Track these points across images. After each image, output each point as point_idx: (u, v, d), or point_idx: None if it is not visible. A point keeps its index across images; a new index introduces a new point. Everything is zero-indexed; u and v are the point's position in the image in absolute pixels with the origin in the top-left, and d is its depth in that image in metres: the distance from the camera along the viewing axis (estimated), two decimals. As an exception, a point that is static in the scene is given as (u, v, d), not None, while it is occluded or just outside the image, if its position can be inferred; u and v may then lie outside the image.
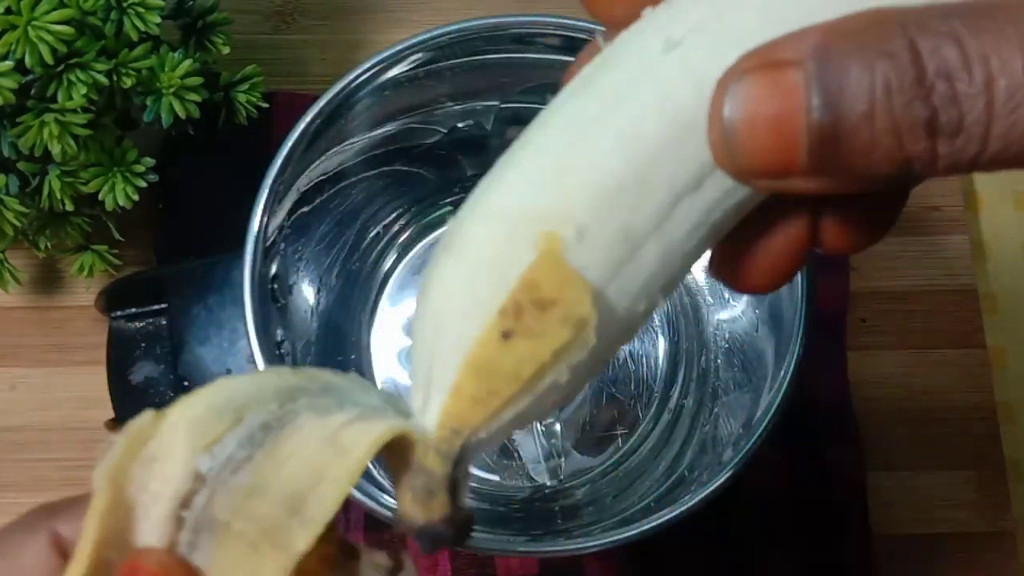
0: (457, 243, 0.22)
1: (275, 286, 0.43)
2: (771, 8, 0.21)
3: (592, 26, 0.43)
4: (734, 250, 0.24)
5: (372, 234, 0.50)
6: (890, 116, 0.19)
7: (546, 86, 0.46)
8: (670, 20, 0.21)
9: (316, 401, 0.21)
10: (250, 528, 0.20)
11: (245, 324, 0.39)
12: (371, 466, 0.45)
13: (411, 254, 0.51)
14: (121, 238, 0.51)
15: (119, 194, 0.45)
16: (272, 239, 0.42)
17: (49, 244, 0.49)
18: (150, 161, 0.45)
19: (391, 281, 0.51)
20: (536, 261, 0.21)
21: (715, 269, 0.25)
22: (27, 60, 0.40)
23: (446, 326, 0.21)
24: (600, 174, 0.21)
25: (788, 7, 0.21)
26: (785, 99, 0.19)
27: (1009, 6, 0.19)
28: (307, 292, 0.47)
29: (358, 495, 0.38)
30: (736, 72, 0.20)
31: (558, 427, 0.47)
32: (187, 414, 0.20)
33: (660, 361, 0.50)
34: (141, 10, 0.43)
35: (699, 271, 0.48)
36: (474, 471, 0.48)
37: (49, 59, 0.40)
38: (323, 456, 0.20)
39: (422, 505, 0.21)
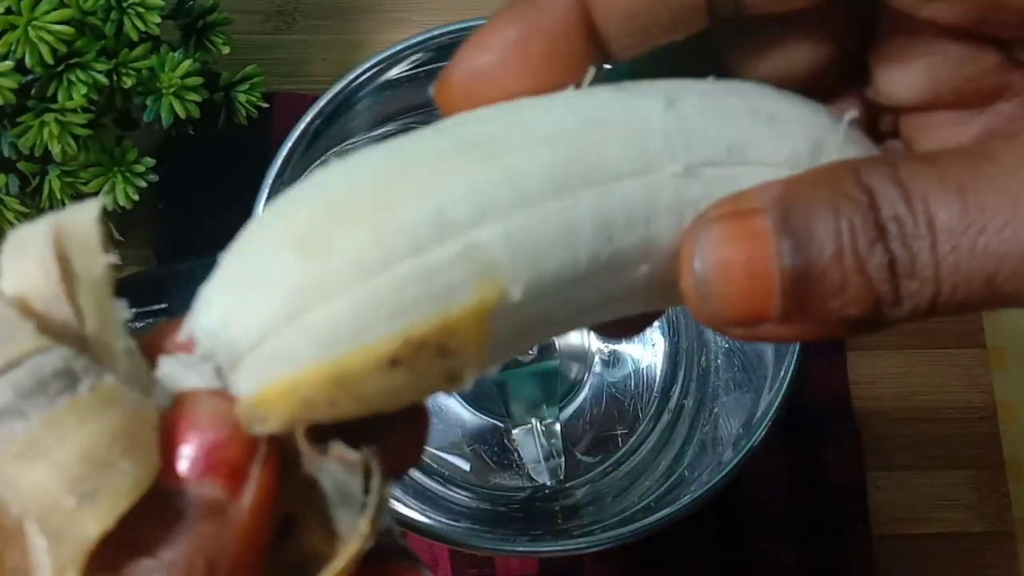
0: (405, 189, 0.19)
1: (275, 286, 0.43)
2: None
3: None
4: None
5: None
6: (857, 257, 0.19)
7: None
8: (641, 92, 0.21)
9: None
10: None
11: (245, 324, 0.39)
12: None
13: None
14: (121, 238, 0.51)
15: (119, 194, 0.45)
16: (272, 239, 0.42)
17: (49, 244, 0.49)
18: (150, 161, 0.46)
19: (391, 281, 0.51)
20: (471, 309, 0.19)
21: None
22: (27, 60, 0.40)
23: (335, 302, 0.18)
24: (565, 259, 0.20)
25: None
26: (755, 245, 0.19)
27: (949, 154, 0.19)
28: (307, 292, 0.47)
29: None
30: (704, 221, 0.20)
31: (558, 427, 0.47)
32: None
33: (660, 361, 0.50)
34: (141, 10, 0.43)
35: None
36: (474, 470, 0.48)
37: (49, 59, 0.40)
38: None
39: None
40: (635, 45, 0.22)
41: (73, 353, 0.18)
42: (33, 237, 0.18)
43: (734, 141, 0.21)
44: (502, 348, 0.20)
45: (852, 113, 0.22)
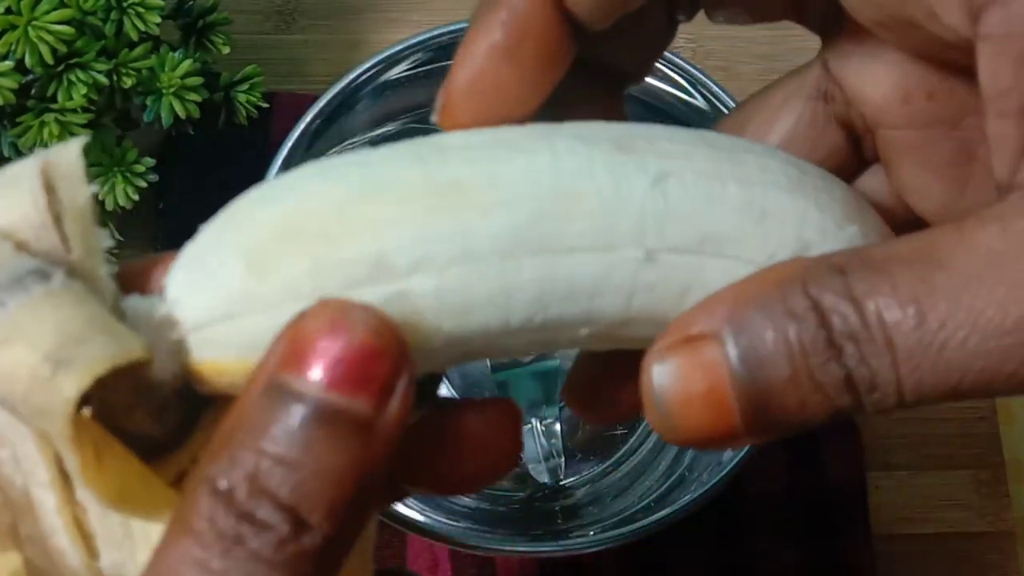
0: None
1: (275, 286, 0.43)
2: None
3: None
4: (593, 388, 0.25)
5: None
6: (811, 377, 0.19)
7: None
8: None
9: None
10: None
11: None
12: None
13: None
14: (121, 238, 0.51)
15: (119, 194, 0.45)
16: (272, 239, 0.42)
17: (49, 244, 0.49)
18: (150, 161, 0.46)
19: (391, 281, 0.51)
20: None
21: (569, 398, 0.26)
22: (27, 60, 0.40)
23: (263, 316, 0.20)
24: (495, 317, 0.20)
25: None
26: (710, 374, 0.19)
27: (898, 254, 0.19)
28: (307, 292, 0.47)
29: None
30: (657, 353, 0.20)
31: (558, 427, 0.47)
32: None
33: (660, 361, 0.50)
34: (141, 10, 0.43)
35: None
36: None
37: (49, 59, 0.40)
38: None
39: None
40: (607, 16, 0.22)
41: (50, 263, 0.19)
42: (22, 171, 0.20)
43: (713, 232, 0.21)
44: (425, 368, 0.21)
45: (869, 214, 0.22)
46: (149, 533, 0.20)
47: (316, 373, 0.18)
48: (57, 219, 0.20)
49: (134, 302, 0.21)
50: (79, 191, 0.20)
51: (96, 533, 0.20)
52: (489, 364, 0.47)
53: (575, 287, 0.20)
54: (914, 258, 0.19)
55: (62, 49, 0.40)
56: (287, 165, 0.42)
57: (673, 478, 0.45)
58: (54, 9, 0.39)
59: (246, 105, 0.49)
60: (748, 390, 0.19)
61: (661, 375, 0.20)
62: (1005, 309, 0.18)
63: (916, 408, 0.19)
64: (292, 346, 0.18)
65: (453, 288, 0.20)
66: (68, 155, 0.20)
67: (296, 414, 0.18)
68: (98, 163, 0.44)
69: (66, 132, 0.41)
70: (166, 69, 0.44)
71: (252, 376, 0.19)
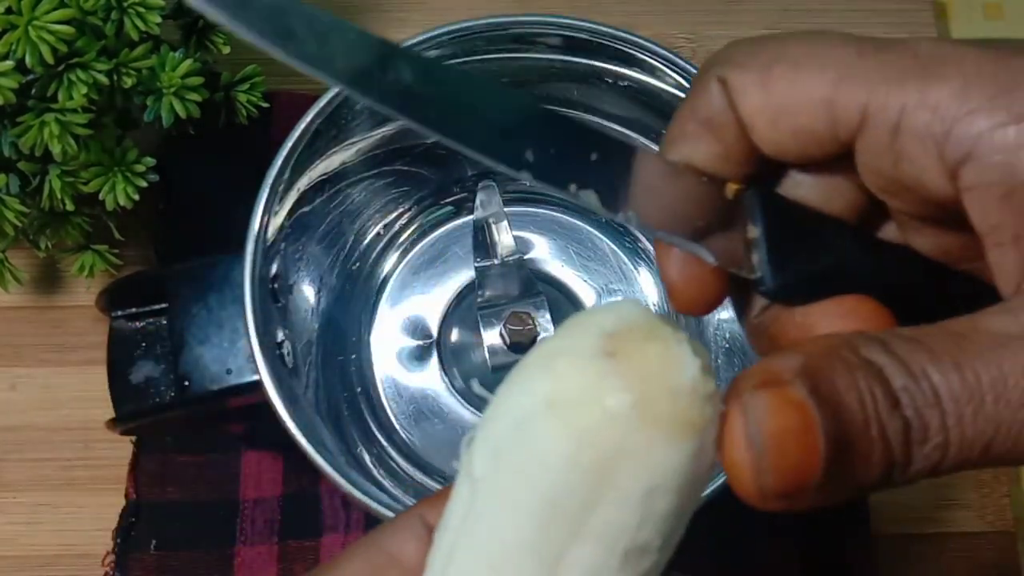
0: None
1: (275, 286, 0.43)
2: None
3: (592, 26, 0.43)
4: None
5: (372, 234, 0.50)
6: (880, 424, 0.20)
7: (546, 86, 0.46)
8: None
9: None
10: None
11: (245, 324, 0.39)
12: (371, 465, 0.46)
13: (411, 254, 0.51)
14: (121, 238, 0.51)
15: (119, 194, 0.45)
16: (272, 239, 0.42)
17: (50, 244, 0.49)
18: (150, 161, 0.46)
19: (391, 281, 0.51)
20: None
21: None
22: (28, 60, 0.40)
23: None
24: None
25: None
26: (801, 412, 0.20)
27: (930, 332, 0.21)
28: (307, 292, 0.47)
29: (358, 494, 0.38)
30: (747, 390, 0.20)
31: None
32: None
33: (660, 361, 0.50)
34: (142, 10, 0.43)
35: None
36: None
37: (50, 59, 0.40)
38: None
39: None
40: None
41: None
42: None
43: None
44: None
45: None
46: None
47: None
48: None
49: None
50: None
51: None
52: (489, 363, 0.47)
53: None
54: (943, 333, 0.21)
55: (62, 49, 0.40)
56: (287, 165, 0.42)
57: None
58: (54, 9, 0.39)
59: (246, 105, 0.49)
60: (832, 430, 0.20)
61: (757, 408, 0.20)
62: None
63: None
64: None
65: None
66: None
67: None
68: (98, 163, 0.44)
69: (66, 132, 0.41)
70: (166, 69, 0.44)
71: None
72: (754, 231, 0.24)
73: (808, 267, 0.24)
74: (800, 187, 0.25)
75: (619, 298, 0.50)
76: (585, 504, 0.20)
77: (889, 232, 0.26)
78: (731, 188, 0.24)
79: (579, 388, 0.20)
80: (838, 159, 0.24)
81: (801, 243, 0.24)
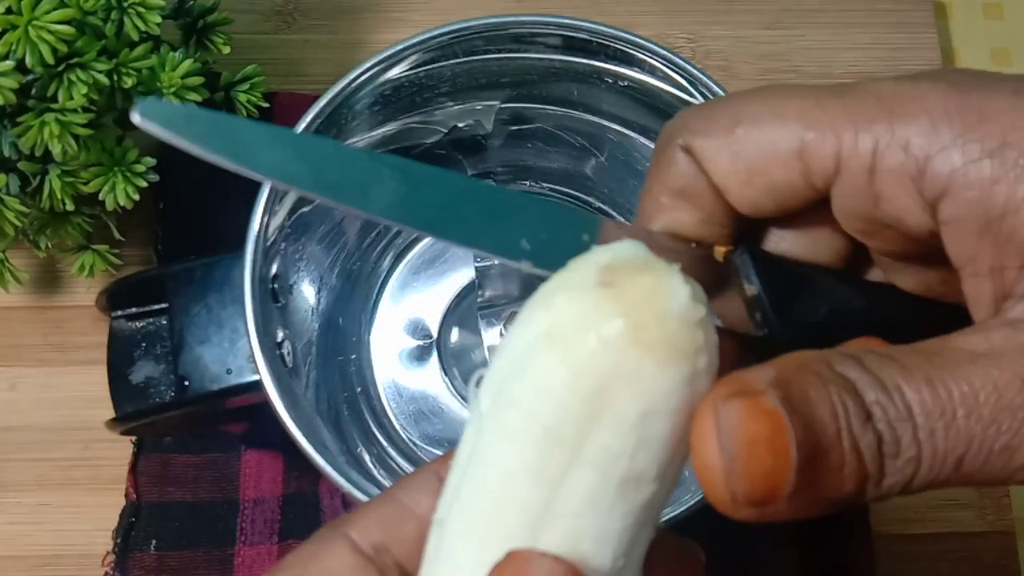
0: None
1: (275, 286, 0.43)
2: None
3: (592, 26, 0.43)
4: None
5: (372, 234, 0.50)
6: (851, 436, 0.20)
7: (546, 86, 0.46)
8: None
9: None
10: None
11: (245, 324, 0.39)
12: (371, 465, 0.46)
13: (411, 254, 0.51)
14: (121, 238, 0.51)
15: (120, 194, 0.45)
16: (272, 239, 0.42)
17: (50, 244, 0.49)
18: (150, 161, 0.46)
19: (391, 281, 0.51)
20: None
21: None
22: (28, 60, 0.40)
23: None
24: None
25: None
26: (773, 420, 0.20)
27: (901, 350, 0.21)
28: (307, 292, 0.47)
29: (358, 494, 0.38)
30: (720, 398, 0.20)
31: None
32: None
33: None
34: (142, 10, 0.43)
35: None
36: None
37: (50, 59, 0.40)
38: None
39: None
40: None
41: None
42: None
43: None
44: None
45: None
46: None
47: None
48: None
49: None
50: None
51: None
52: (487, 357, 0.47)
53: None
54: (916, 351, 0.21)
55: (62, 49, 0.40)
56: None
57: (673, 478, 0.44)
58: (54, 9, 0.39)
59: (246, 105, 0.49)
60: (804, 438, 0.20)
61: (729, 414, 0.20)
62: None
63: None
64: None
65: None
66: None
67: None
68: (98, 163, 0.44)
69: (66, 132, 0.41)
70: (167, 69, 0.44)
71: None
72: (751, 288, 0.24)
73: (810, 316, 0.25)
74: (784, 242, 0.26)
75: None
76: (583, 430, 0.21)
77: (875, 274, 0.26)
78: (719, 251, 0.25)
79: (575, 318, 0.21)
80: (815, 209, 0.24)
81: (799, 293, 0.25)
